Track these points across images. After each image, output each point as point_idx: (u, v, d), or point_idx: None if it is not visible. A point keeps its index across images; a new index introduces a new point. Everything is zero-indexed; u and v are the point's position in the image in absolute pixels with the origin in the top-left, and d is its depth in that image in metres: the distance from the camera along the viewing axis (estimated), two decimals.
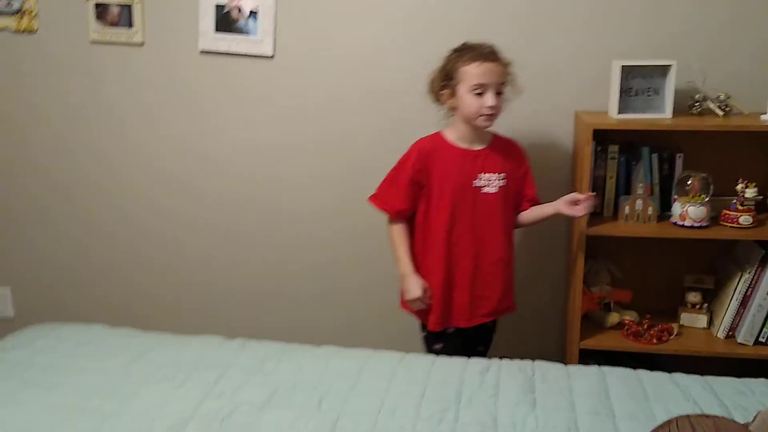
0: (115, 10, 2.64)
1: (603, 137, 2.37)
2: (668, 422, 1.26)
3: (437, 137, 2.20)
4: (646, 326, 2.42)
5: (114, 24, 2.65)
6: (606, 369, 1.84)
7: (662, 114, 2.33)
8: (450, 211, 2.15)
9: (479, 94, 2.06)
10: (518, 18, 2.47)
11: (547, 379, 1.76)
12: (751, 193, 2.30)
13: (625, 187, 2.43)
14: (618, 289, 2.53)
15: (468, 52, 2.09)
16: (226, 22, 2.61)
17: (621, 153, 2.40)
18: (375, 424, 1.51)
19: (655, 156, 2.40)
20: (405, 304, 2.27)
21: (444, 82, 2.12)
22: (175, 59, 2.66)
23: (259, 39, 2.61)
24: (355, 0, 2.54)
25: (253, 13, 2.59)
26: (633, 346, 2.38)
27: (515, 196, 2.24)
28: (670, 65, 2.29)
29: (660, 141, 2.41)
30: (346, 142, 2.66)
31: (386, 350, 1.97)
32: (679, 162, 2.42)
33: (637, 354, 2.40)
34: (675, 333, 2.42)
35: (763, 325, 2.35)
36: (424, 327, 2.31)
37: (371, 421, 1.51)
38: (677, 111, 2.31)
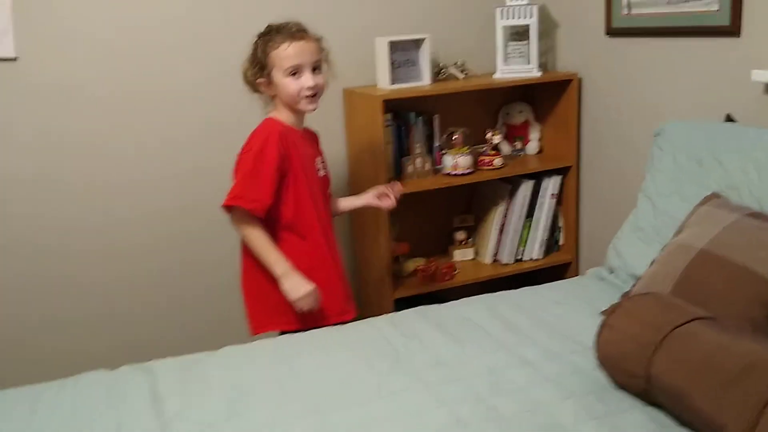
0: None
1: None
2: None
3: (276, 121, 2.03)
4: (434, 268, 2.77)
5: None
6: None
7: (422, 82, 2.66)
8: (311, 197, 2.04)
9: (295, 75, 1.97)
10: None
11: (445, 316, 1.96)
12: (498, 139, 2.78)
13: (399, 150, 2.72)
14: (397, 243, 2.83)
15: (275, 34, 1.99)
16: None
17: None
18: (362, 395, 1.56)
19: (420, 119, 2.73)
20: (259, 329, 2.09)
21: (257, 70, 2.01)
22: None
23: None
24: None
25: None
26: (434, 286, 2.72)
27: None
28: (424, 38, 2.63)
29: (421, 106, 2.74)
30: (110, 144, 2.46)
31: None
32: (436, 122, 2.79)
33: (428, 294, 2.73)
34: (457, 269, 2.82)
35: (518, 245, 2.88)
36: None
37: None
38: None
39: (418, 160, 2.67)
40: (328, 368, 1.68)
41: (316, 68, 2.01)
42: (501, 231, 2.87)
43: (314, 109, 2.04)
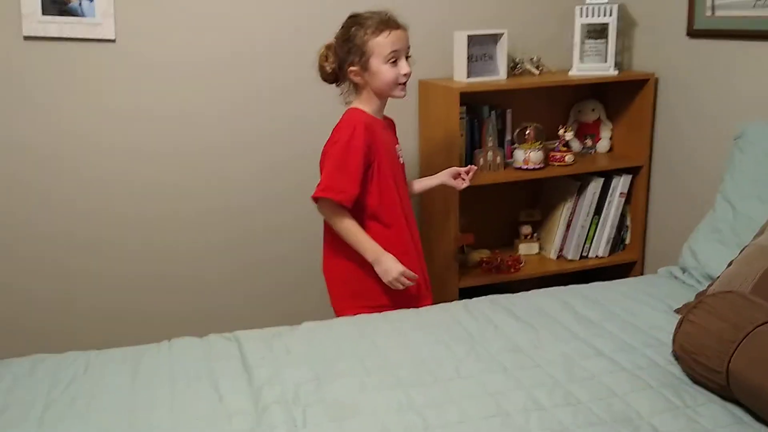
0: None
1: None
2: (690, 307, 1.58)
3: (359, 112, 2.06)
4: (499, 260, 2.81)
5: None
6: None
7: (498, 76, 2.70)
8: (395, 186, 2.09)
9: (394, 63, 2.01)
10: None
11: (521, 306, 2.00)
12: (569, 136, 2.80)
13: (471, 143, 2.76)
14: (462, 233, 2.88)
15: (370, 22, 2.00)
16: (55, 2, 2.30)
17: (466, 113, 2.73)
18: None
19: (493, 113, 2.77)
20: (342, 312, 2.12)
21: (352, 57, 2.02)
22: None
23: (97, 21, 2.36)
24: None
25: None
26: (498, 277, 2.76)
27: None
28: (502, 33, 2.66)
29: (494, 99, 2.78)
30: (205, 137, 2.57)
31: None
32: (509, 116, 2.83)
33: (494, 285, 2.78)
34: (523, 262, 2.86)
35: (584, 242, 2.89)
36: None
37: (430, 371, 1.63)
38: None
39: (490, 153, 2.71)
40: (406, 348, 1.75)
41: (408, 56, 2.07)
42: (568, 227, 2.89)
43: (404, 96, 2.09)
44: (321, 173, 2.05)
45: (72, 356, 1.73)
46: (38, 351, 1.76)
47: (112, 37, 2.39)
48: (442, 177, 2.34)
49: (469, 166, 2.34)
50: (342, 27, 2.07)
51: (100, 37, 2.37)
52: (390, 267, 2.02)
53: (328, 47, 2.09)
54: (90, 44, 2.37)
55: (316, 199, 2.03)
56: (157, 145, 2.52)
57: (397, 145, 2.20)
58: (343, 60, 2.05)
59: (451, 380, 1.59)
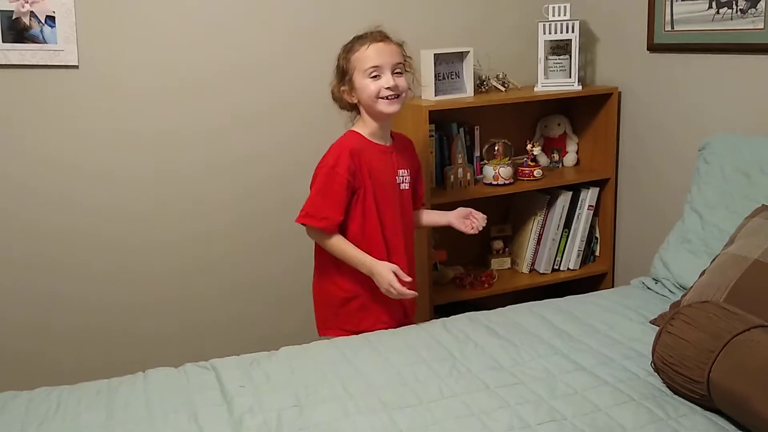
0: None
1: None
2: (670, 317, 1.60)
3: (354, 135, 2.05)
4: (472, 276, 2.82)
5: None
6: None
7: (465, 94, 2.72)
8: (383, 213, 2.05)
9: (376, 77, 1.97)
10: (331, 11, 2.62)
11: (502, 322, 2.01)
12: (537, 150, 2.84)
13: (441, 160, 2.77)
14: (435, 250, 2.88)
15: (356, 40, 2.02)
16: (16, 30, 2.25)
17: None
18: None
19: (462, 130, 2.79)
20: (324, 331, 2.13)
21: (340, 79, 2.03)
22: None
23: (59, 47, 2.31)
24: None
25: (50, 18, 2.28)
26: (472, 293, 2.76)
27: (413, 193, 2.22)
28: (468, 51, 2.69)
29: (462, 117, 2.80)
30: (175, 160, 2.53)
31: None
32: (477, 133, 2.85)
33: (468, 301, 2.78)
34: (496, 276, 2.87)
35: (556, 255, 2.92)
36: None
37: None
38: None
39: (460, 170, 2.72)
40: (388, 369, 1.73)
41: (397, 71, 2.01)
42: (539, 241, 2.91)
43: (395, 111, 2.02)
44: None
45: (44, 392, 1.67)
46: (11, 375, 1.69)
47: (75, 63, 2.34)
48: (451, 217, 2.25)
49: (481, 214, 2.25)
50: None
51: (62, 63, 2.33)
52: (381, 276, 1.97)
53: (334, 71, 2.10)
54: (53, 71, 2.32)
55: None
56: (125, 170, 2.47)
57: (401, 170, 2.12)
58: (336, 82, 2.06)
59: (435, 401, 1.58)
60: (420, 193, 2.29)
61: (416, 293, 2.04)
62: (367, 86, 1.98)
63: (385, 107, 2.00)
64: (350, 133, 2.07)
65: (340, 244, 2.01)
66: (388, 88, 1.97)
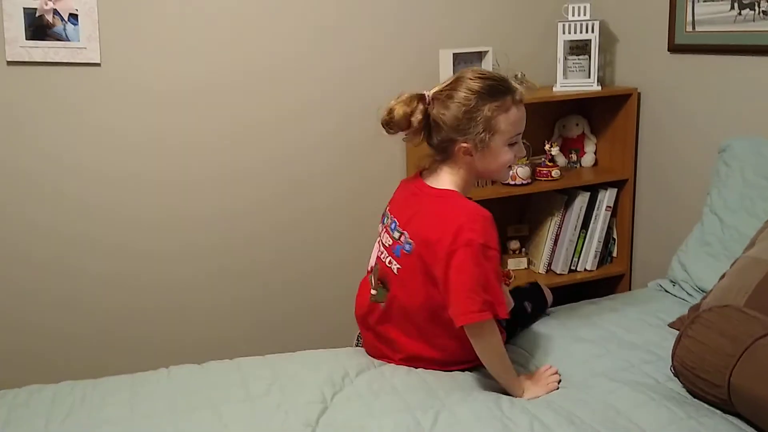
0: None
1: None
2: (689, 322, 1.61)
3: (466, 199, 1.75)
4: None
5: None
6: None
7: None
8: None
9: (513, 144, 1.72)
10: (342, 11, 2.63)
11: None
12: (555, 151, 2.83)
13: None
14: None
15: (500, 94, 1.68)
16: (40, 27, 2.28)
17: None
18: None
19: None
20: None
21: (470, 131, 1.67)
22: None
23: (82, 45, 2.33)
24: None
25: (72, 17, 2.30)
26: None
27: None
28: (487, 50, 2.69)
29: None
30: (195, 163, 2.54)
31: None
32: None
33: None
34: (513, 276, 2.87)
35: (573, 256, 2.92)
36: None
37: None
38: None
39: None
40: (410, 374, 1.75)
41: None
42: (555, 241, 2.91)
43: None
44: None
45: (68, 386, 1.70)
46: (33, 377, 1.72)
47: (98, 61, 2.36)
48: None
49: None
50: (455, 86, 1.71)
51: (85, 61, 2.35)
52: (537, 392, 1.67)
53: (419, 98, 1.74)
54: (75, 68, 2.34)
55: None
56: (146, 169, 2.49)
57: None
58: (454, 129, 1.69)
59: (458, 404, 1.59)
60: None
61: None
62: (505, 154, 1.71)
63: (506, 175, 1.84)
64: (462, 197, 1.74)
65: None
66: (518, 157, 1.76)
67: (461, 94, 1.68)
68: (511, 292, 2.00)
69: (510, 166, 1.78)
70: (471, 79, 1.70)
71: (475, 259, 1.58)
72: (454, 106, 1.68)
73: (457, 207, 1.68)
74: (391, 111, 1.72)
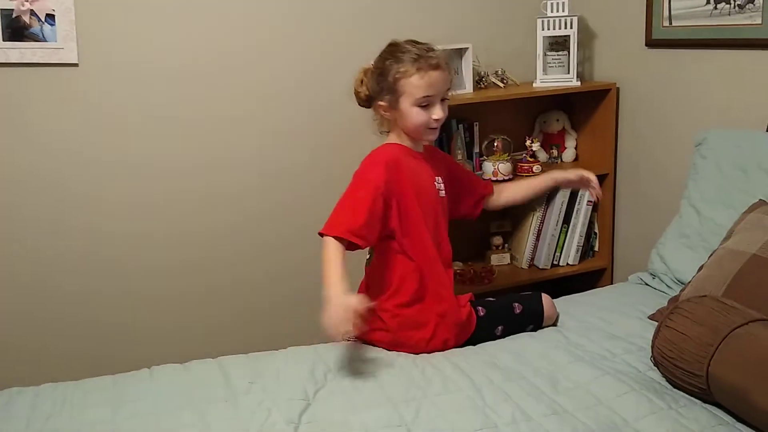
0: None
1: None
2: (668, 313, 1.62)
3: (393, 147, 1.93)
4: (472, 272, 2.84)
5: None
6: None
7: (464, 90, 2.73)
8: (425, 221, 1.91)
9: (425, 107, 1.86)
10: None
11: None
12: (536, 146, 2.85)
13: None
14: None
15: (407, 57, 1.85)
16: (17, 29, 2.26)
17: None
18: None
19: (461, 126, 2.80)
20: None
21: (381, 91, 1.89)
22: None
23: (59, 45, 2.32)
24: None
25: (49, 17, 2.29)
26: (472, 289, 2.76)
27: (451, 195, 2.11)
28: (467, 47, 2.70)
29: (462, 113, 2.81)
30: (177, 157, 2.53)
31: None
32: (476, 129, 2.86)
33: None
34: (495, 272, 2.88)
35: (555, 251, 2.94)
36: None
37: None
38: None
39: None
40: (393, 366, 1.75)
41: (444, 98, 1.93)
42: (538, 236, 2.92)
43: (434, 140, 2.00)
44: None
45: (49, 388, 1.69)
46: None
47: (75, 62, 2.35)
48: (570, 176, 2.28)
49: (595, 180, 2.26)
50: (380, 54, 1.95)
51: (62, 61, 2.33)
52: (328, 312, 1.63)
53: (365, 72, 1.98)
54: (53, 69, 2.33)
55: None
56: (126, 167, 2.47)
57: (437, 177, 2.03)
58: (375, 92, 1.94)
59: (439, 395, 1.59)
60: (478, 178, 2.27)
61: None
62: (415, 115, 1.87)
63: (430, 136, 1.95)
64: (390, 145, 1.95)
65: (329, 255, 1.74)
66: (436, 119, 1.89)
67: (379, 58, 1.94)
68: (510, 291, 2.11)
69: (434, 128, 1.93)
70: (390, 45, 1.94)
71: (350, 186, 1.85)
72: (371, 73, 1.95)
73: (372, 151, 1.94)
74: (356, 93, 2.00)
